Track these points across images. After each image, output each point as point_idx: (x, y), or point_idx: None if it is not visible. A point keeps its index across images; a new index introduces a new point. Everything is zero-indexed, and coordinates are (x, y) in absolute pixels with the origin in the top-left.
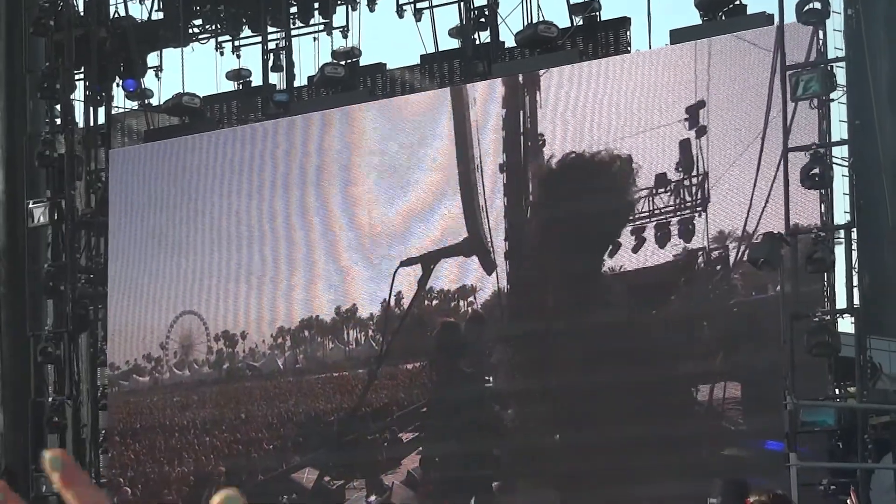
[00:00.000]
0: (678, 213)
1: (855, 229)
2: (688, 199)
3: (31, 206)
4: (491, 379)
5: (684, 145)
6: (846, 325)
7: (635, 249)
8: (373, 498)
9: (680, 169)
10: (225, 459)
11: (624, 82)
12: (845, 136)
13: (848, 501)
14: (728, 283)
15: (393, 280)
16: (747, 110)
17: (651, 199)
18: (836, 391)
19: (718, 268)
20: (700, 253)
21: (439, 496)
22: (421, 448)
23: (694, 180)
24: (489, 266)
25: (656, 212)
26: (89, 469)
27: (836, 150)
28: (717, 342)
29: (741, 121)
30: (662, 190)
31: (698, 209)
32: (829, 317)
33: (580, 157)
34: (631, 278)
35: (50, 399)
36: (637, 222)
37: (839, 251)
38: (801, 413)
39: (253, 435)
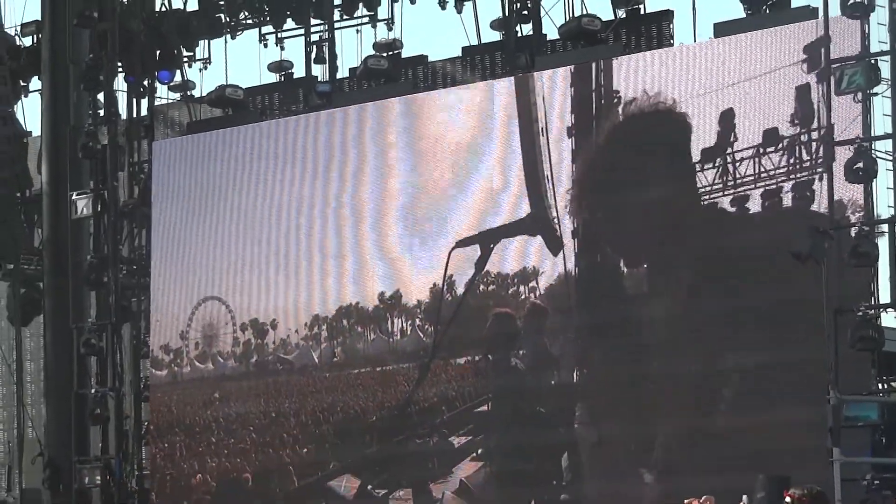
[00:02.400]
0: (793, 175)
1: None
2: (805, 158)
3: (74, 197)
4: (555, 372)
5: (802, 92)
6: (890, 319)
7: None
8: None
9: (796, 122)
10: (252, 463)
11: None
12: (889, 130)
13: None
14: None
15: (447, 262)
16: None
17: (757, 159)
18: (880, 386)
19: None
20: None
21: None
22: (478, 452)
23: (814, 135)
24: (555, 245)
25: (764, 175)
26: (132, 462)
27: (879, 144)
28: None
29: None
30: (772, 148)
31: (819, 171)
32: (872, 311)
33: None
34: (727, 256)
35: (93, 391)
36: (739, 189)
37: (883, 245)
38: (844, 408)
39: (284, 436)
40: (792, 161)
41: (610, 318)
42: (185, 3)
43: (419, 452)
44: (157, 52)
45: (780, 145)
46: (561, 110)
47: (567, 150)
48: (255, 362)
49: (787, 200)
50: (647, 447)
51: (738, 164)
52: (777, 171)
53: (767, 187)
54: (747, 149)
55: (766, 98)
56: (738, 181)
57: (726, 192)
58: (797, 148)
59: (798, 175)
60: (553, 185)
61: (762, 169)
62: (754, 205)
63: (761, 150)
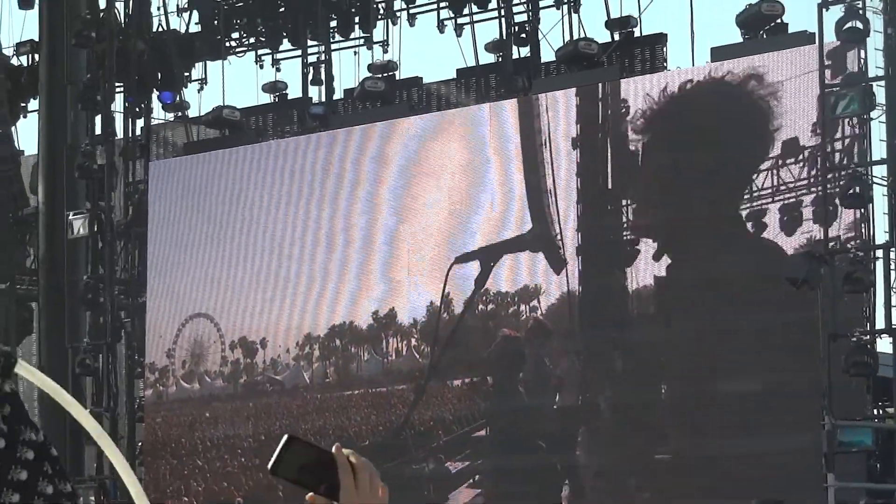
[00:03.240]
0: (814, 188)
1: (894, 249)
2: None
3: (70, 217)
4: (556, 396)
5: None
6: (884, 345)
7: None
8: None
9: (818, 131)
10: (241, 488)
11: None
12: (885, 156)
13: None
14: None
15: (446, 279)
16: None
17: (776, 171)
18: (874, 411)
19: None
20: (835, 242)
21: None
22: (476, 478)
23: (838, 145)
24: (557, 263)
25: (783, 188)
26: None
27: (875, 170)
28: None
29: None
30: (792, 160)
31: (840, 183)
32: (867, 337)
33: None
34: (740, 276)
35: (88, 411)
36: (755, 203)
37: (878, 270)
38: (838, 433)
39: None
40: (813, 173)
41: (612, 340)
42: (187, 26)
43: (414, 478)
44: (158, 73)
45: (801, 156)
46: (566, 122)
47: (571, 163)
48: (244, 382)
49: (808, 214)
50: (646, 471)
51: (755, 176)
52: (797, 184)
53: (786, 201)
54: (766, 160)
55: (786, 107)
56: (756, 194)
57: (742, 207)
58: (819, 159)
59: (819, 188)
60: (556, 200)
61: (781, 181)
62: (772, 219)
63: (780, 162)
